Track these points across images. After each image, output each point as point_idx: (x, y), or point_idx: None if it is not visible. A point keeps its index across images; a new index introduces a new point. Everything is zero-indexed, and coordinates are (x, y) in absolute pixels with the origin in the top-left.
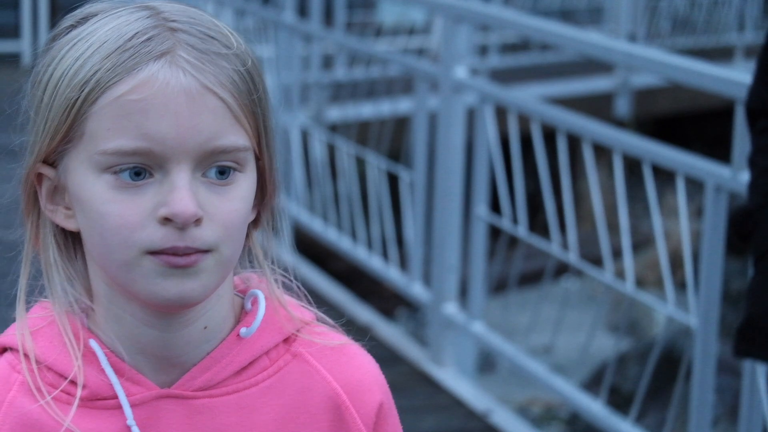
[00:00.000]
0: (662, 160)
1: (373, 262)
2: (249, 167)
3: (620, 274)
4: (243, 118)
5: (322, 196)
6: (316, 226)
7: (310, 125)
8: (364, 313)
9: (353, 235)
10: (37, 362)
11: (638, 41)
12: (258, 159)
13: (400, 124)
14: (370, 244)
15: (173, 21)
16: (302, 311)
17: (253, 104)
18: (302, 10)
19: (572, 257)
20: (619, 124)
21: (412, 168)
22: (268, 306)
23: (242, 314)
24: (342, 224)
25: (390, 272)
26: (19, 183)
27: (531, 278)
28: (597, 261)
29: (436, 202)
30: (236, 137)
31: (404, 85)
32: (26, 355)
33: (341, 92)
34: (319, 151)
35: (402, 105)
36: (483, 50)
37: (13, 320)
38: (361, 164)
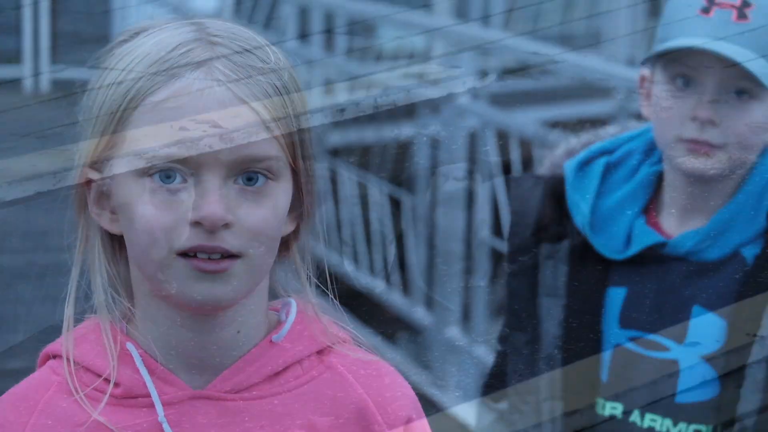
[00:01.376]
0: None
1: (375, 286)
2: (283, 177)
3: None
4: (275, 129)
5: (324, 221)
6: (319, 250)
7: None
8: (366, 337)
9: (355, 260)
10: (76, 364)
11: (637, 65)
12: (294, 171)
13: (402, 149)
14: (372, 268)
15: (215, 36)
16: (339, 330)
17: (286, 117)
18: (303, 36)
19: None
20: None
21: (413, 192)
22: (303, 317)
23: (277, 324)
24: (344, 248)
25: (392, 296)
26: (71, 188)
27: None
28: None
29: (438, 226)
30: (267, 147)
31: (406, 109)
32: (69, 360)
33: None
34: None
35: (403, 130)
36: (483, 74)
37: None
38: (363, 189)
